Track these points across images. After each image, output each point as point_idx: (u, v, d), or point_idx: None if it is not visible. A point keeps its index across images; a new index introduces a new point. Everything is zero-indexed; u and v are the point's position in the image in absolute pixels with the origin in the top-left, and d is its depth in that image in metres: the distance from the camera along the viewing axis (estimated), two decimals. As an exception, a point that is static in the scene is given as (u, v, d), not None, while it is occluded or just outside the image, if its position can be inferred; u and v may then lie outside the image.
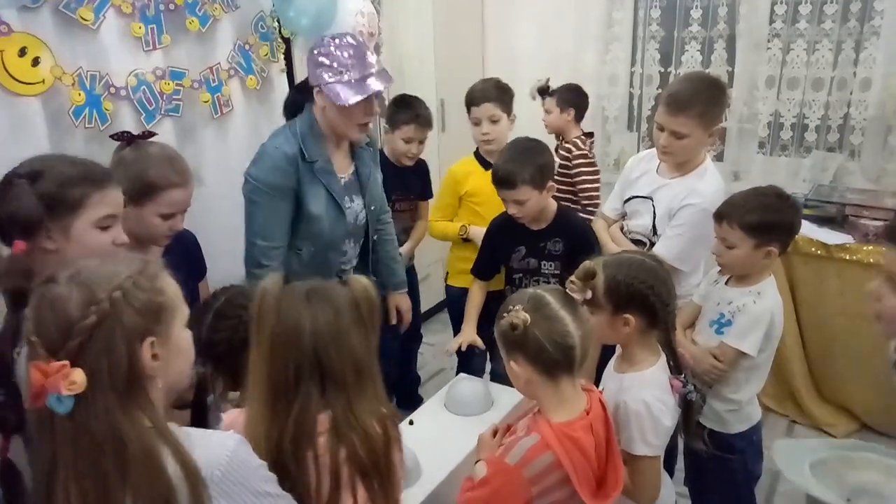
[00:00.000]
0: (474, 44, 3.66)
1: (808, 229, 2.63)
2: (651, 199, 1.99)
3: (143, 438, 0.86)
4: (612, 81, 3.38)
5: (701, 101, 1.83)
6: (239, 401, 1.38)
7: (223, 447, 0.92)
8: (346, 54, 1.81)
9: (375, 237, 2.18)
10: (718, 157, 3.14)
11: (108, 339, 0.86)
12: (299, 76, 2.46)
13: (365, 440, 1.07)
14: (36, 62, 1.67)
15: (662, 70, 3.26)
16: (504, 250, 2.11)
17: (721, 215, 1.67)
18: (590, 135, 2.81)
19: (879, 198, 2.68)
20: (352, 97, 1.79)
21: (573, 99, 2.78)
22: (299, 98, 1.98)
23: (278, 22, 2.28)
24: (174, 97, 1.99)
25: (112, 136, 1.61)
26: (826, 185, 2.90)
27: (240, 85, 2.20)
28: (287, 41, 2.36)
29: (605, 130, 3.47)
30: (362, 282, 1.13)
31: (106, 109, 1.83)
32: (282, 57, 2.34)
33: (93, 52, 1.80)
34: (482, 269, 2.20)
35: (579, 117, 2.80)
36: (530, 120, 2.75)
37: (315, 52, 1.85)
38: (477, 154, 2.42)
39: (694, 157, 1.93)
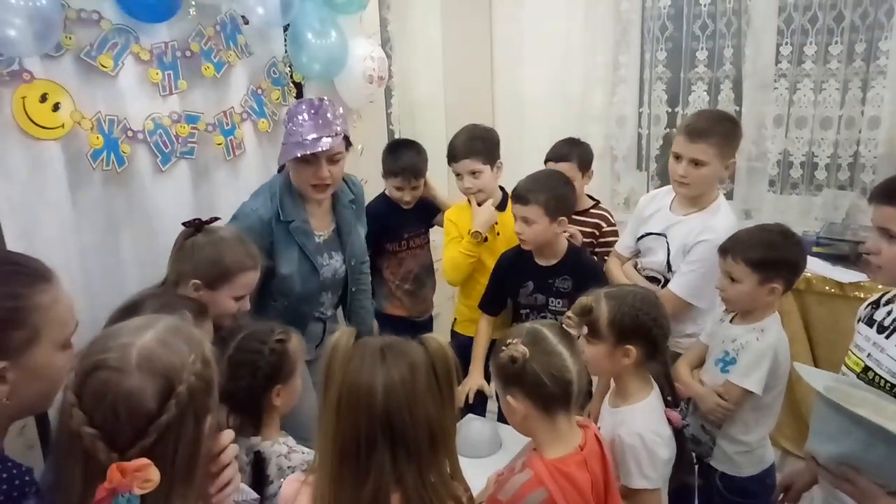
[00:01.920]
0: (484, 87, 3.73)
1: (821, 268, 2.60)
2: (665, 235, 2.00)
3: None
4: (621, 122, 3.42)
5: (718, 131, 1.87)
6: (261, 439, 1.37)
7: None
8: (302, 117, 1.85)
9: (353, 288, 2.20)
10: (728, 196, 3.14)
11: (181, 427, 0.81)
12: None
13: None
14: (56, 107, 1.73)
15: (670, 110, 3.30)
16: (512, 284, 2.12)
17: (726, 250, 1.68)
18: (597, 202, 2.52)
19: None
20: (285, 157, 1.86)
21: (585, 156, 2.46)
22: None
23: (290, 67, 2.35)
24: (189, 140, 2.05)
25: (184, 224, 1.67)
26: (838, 224, 2.88)
27: (252, 128, 2.26)
28: (298, 86, 2.43)
29: (615, 170, 3.49)
30: (438, 340, 1.03)
31: (123, 152, 1.89)
32: (293, 101, 2.40)
33: (111, 97, 1.87)
34: (490, 303, 2.20)
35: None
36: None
37: (287, 114, 1.91)
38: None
39: (708, 191, 1.94)
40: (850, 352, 1.41)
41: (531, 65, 3.59)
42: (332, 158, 1.88)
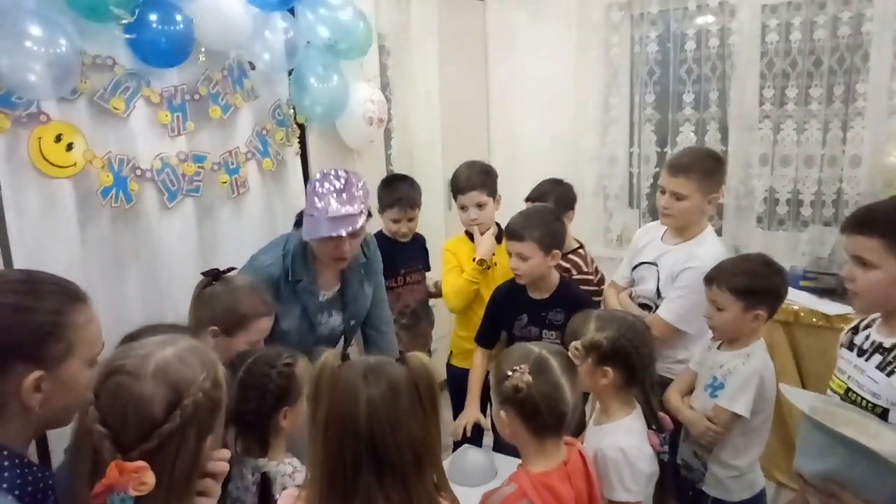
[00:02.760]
0: (480, 129, 3.86)
1: (808, 301, 2.67)
2: (656, 264, 2.08)
3: None
4: (612, 162, 3.53)
5: (699, 167, 1.96)
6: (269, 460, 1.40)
7: None
8: (328, 191, 1.85)
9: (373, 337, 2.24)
10: (718, 232, 3.22)
11: (182, 439, 0.86)
12: (313, 159, 2.62)
13: None
14: (70, 147, 1.81)
15: (659, 150, 3.41)
16: (507, 317, 2.17)
17: (711, 279, 1.75)
18: (581, 247, 2.51)
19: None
20: (310, 234, 1.86)
21: (564, 196, 2.48)
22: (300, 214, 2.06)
23: (294, 109, 2.46)
24: (195, 178, 2.13)
25: (203, 274, 1.73)
26: (824, 258, 2.95)
27: (256, 167, 2.34)
28: (302, 127, 2.53)
29: (607, 208, 3.59)
30: (420, 359, 1.04)
31: (132, 190, 1.96)
32: (296, 141, 2.49)
33: (122, 138, 1.95)
34: (485, 336, 2.24)
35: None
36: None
37: (312, 182, 1.91)
38: (468, 233, 2.45)
39: (694, 223, 2.03)
40: (833, 375, 1.47)
41: (525, 108, 3.72)
42: (354, 234, 1.90)
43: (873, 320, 1.42)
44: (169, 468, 0.85)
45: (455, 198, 2.43)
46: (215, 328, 1.65)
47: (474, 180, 2.36)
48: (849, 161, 2.93)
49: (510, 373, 1.27)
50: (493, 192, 2.40)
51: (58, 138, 1.79)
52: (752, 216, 3.19)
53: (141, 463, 0.82)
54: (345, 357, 1.04)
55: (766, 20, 3.02)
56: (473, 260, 2.32)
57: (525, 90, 3.72)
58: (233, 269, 1.81)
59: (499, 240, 2.37)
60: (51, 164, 1.78)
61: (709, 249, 1.98)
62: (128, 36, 1.87)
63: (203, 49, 2.05)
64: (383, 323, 2.27)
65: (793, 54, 2.98)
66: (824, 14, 2.90)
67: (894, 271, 1.30)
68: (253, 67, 2.26)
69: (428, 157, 3.49)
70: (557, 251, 2.08)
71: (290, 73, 2.40)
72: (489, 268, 2.32)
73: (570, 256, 2.42)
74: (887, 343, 1.35)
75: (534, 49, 3.63)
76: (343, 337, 2.16)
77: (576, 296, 2.14)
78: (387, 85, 3.30)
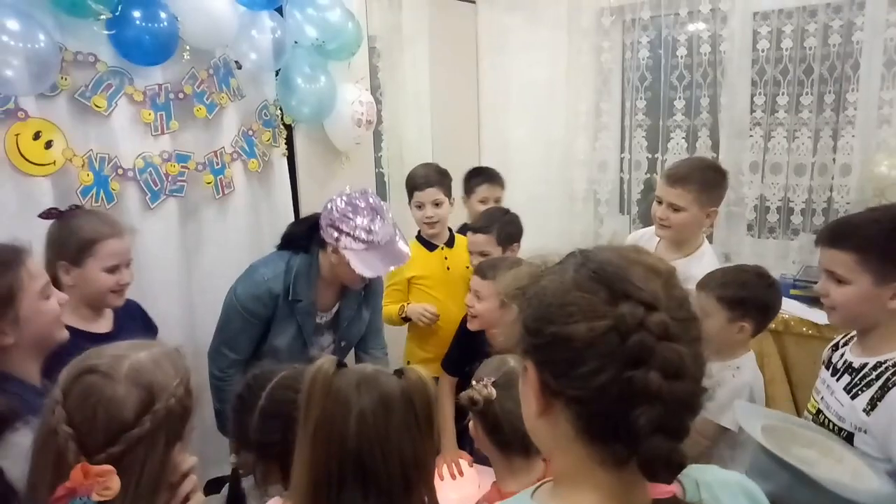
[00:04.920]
0: (471, 133, 3.83)
1: (798, 310, 2.65)
2: None
3: None
4: (603, 167, 3.51)
5: (698, 178, 1.92)
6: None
7: None
8: (362, 221, 1.80)
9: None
10: (709, 239, 3.20)
11: (151, 445, 0.84)
12: (300, 160, 2.58)
13: None
14: (49, 145, 1.78)
15: (650, 156, 3.39)
16: (477, 347, 2.00)
17: (700, 285, 1.71)
18: None
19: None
20: (373, 270, 1.83)
21: (509, 229, 2.29)
22: (296, 233, 2.00)
23: (280, 110, 2.42)
24: (179, 178, 2.09)
25: (39, 215, 1.65)
26: (814, 267, 2.93)
27: (242, 168, 2.31)
28: (289, 128, 2.49)
29: (598, 213, 3.57)
30: (418, 372, 1.00)
31: (113, 189, 1.93)
32: (283, 142, 2.46)
33: (103, 136, 1.92)
34: (453, 364, 2.14)
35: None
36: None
37: (335, 212, 1.84)
38: (419, 237, 2.47)
39: (691, 237, 1.98)
40: (811, 395, 1.44)
41: (516, 112, 3.70)
42: None
43: (852, 337, 1.40)
44: (136, 475, 0.82)
45: (411, 196, 2.45)
46: (64, 262, 1.60)
47: (431, 178, 2.41)
48: (839, 170, 2.92)
49: (474, 383, 1.23)
50: (448, 192, 2.45)
51: (36, 136, 1.76)
52: (742, 224, 3.17)
53: (107, 467, 0.79)
54: (341, 364, 0.99)
55: (757, 27, 3.01)
56: (400, 316, 2.38)
57: (516, 94, 3.70)
58: (78, 206, 1.73)
59: (450, 243, 2.48)
60: (29, 161, 1.75)
61: (706, 269, 1.93)
62: (110, 32, 1.83)
63: (188, 47, 2.01)
64: (378, 348, 2.24)
65: (784, 62, 2.97)
66: (815, 22, 2.89)
67: (866, 287, 1.26)
68: (239, 67, 2.23)
69: (418, 159, 3.42)
70: (517, 245, 2.18)
71: (277, 73, 2.37)
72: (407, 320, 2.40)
73: None
74: (857, 363, 1.32)
75: (525, 53, 3.60)
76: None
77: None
78: (378, 87, 3.27)
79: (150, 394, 0.85)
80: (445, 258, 2.43)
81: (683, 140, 3.26)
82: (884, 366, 1.26)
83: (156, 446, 0.84)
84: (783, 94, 3.00)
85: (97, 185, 1.89)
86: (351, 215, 1.80)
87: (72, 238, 1.61)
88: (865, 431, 1.24)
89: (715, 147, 3.19)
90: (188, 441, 0.94)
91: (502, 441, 1.21)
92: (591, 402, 0.60)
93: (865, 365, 1.30)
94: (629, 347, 0.58)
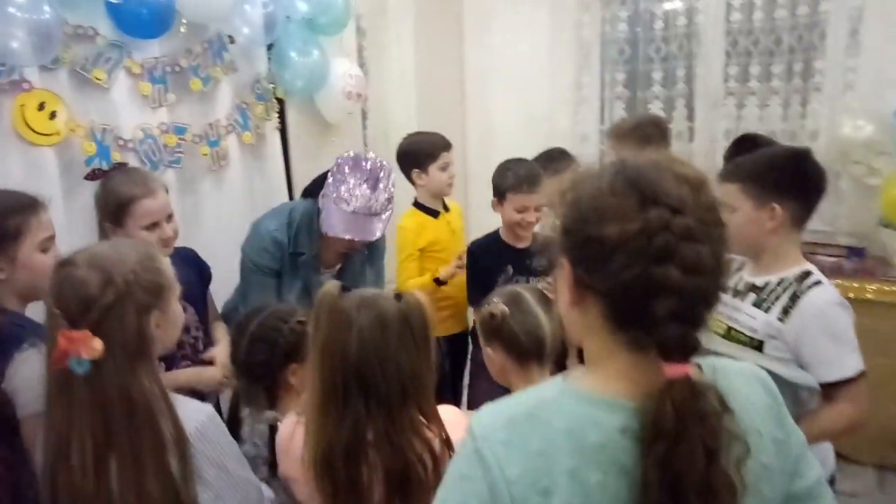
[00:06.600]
0: (455, 109, 3.91)
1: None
2: None
3: (147, 399, 1.00)
4: (584, 140, 3.62)
5: (637, 134, 2.08)
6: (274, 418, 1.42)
7: (200, 412, 1.06)
8: (350, 181, 1.80)
9: None
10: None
11: (122, 313, 1.01)
12: (292, 134, 2.65)
13: (400, 460, 1.04)
14: (53, 116, 1.83)
15: (630, 128, 3.51)
16: (491, 272, 2.17)
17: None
18: None
19: (832, 237, 2.88)
20: (331, 229, 1.82)
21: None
22: (317, 180, 2.00)
23: (273, 84, 2.49)
24: (176, 150, 2.16)
25: (85, 177, 1.78)
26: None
27: (237, 140, 2.37)
28: (281, 102, 2.56)
29: (580, 185, 3.68)
30: (416, 296, 1.10)
31: (114, 159, 1.98)
32: (275, 116, 2.53)
33: (104, 108, 1.98)
34: (477, 297, 2.19)
35: None
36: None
37: (340, 163, 1.85)
38: (417, 205, 2.47)
39: None
40: (715, 319, 1.54)
41: (501, 88, 3.79)
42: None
43: (743, 263, 1.54)
44: (117, 337, 1.00)
45: (437, 157, 2.40)
46: (108, 224, 1.67)
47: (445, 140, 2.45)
48: (808, 135, 3.06)
49: (487, 304, 1.37)
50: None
51: (41, 106, 1.81)
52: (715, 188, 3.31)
53: (86, 332, 0.97)
54: (346, 288, 1.10)
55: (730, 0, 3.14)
56: (436, 283, 2.32)
57: (500, 71, 3.78)
58: (124, 164, 1.83)
59: (446, 208, 2.52)
60: (35, 131, 1.80)
61: None
62: (112, 0, 1.88)
63: (184, 21, 2.08)
64: None
65: (755, 33, 3.10)
66: (784, -7, 3.02)
67: (749, 212, 1.41)
68: (232, 41, 2.29)
69: (402, 137, 3.52)
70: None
71: (269, 48, 2.43)
72: (442, 284, 2.34)
73: None
74: (759, 282, 1.46)
75: (509, 30, 3.69)
76: None
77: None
78: (363, 65, 3.33)
79: (107, 272, 1.02)
80: (449, 222, 2.49)
81: (661, 111, 3.38)
82: (787, 280, 1.42)
83: (127, 313, 1.01)
84: (755, 63, 3.12)
85: (99, 156, 1.95)
86: (348, 171, 1.83)
87: (109, 200, 1.68)
88: (775, 338, 1.40)
89: (690, 116, 3.32)
90: (172, 313, 1.12)
91: (521, 351, 1.34)
92: (617, 295, 0.68)
93: (768, 283, 1.45)
94: (654, 247, 0.65)
